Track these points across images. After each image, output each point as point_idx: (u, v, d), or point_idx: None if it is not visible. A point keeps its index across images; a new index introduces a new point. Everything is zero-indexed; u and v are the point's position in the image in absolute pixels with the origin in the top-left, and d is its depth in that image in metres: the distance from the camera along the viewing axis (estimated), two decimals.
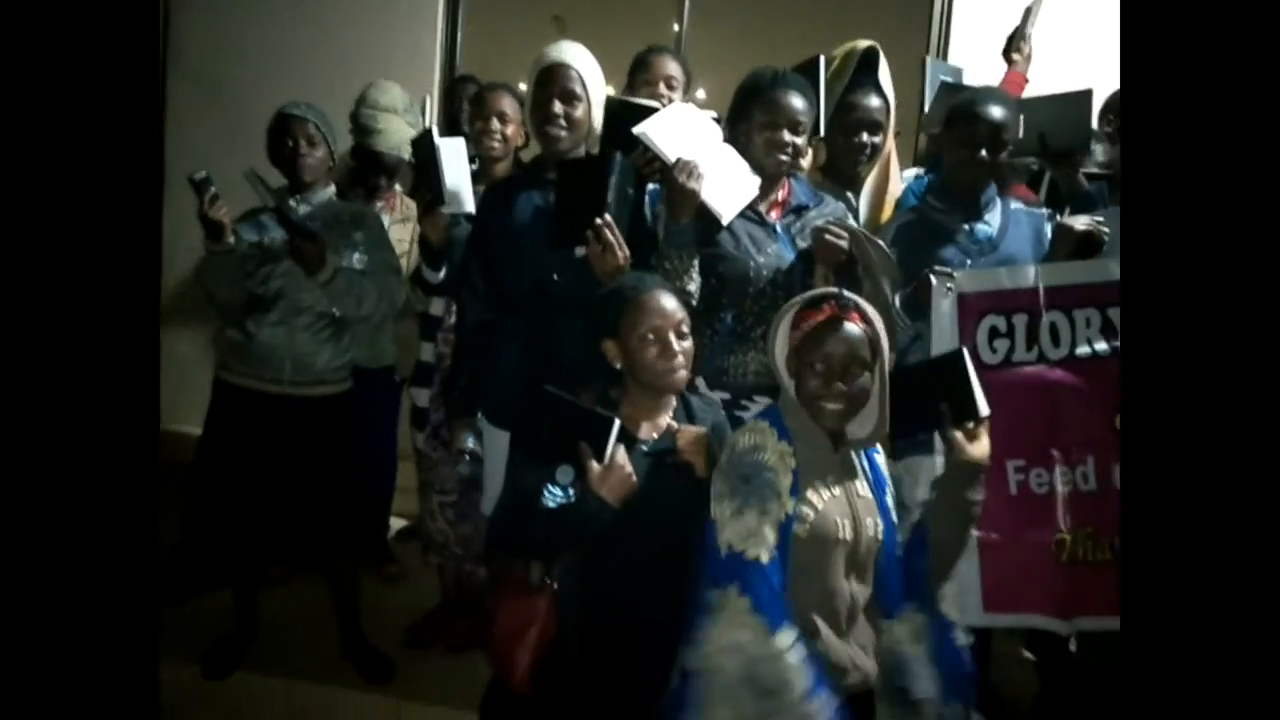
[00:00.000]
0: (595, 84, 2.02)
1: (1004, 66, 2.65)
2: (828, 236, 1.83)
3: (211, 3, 3.73)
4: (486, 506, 2.11)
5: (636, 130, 1.84)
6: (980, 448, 1.44)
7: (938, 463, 1.66)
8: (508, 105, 2.45)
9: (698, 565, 1.60)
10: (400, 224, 2.73)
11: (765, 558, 1.34)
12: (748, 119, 1.93)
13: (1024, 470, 1.78)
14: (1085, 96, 2.14)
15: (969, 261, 1.93)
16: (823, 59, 2.13)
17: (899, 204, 2.26)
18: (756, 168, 1.91)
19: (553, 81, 1.96)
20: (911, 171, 2.46)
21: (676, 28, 4.04)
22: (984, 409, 1.44)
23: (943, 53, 3.38)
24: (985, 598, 1.79)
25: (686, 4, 3.73)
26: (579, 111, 1.97)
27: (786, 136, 1.89)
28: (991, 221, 1.99)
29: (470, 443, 2.19)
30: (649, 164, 1.87)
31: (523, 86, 2.38)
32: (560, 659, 1.55)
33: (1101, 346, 1.77)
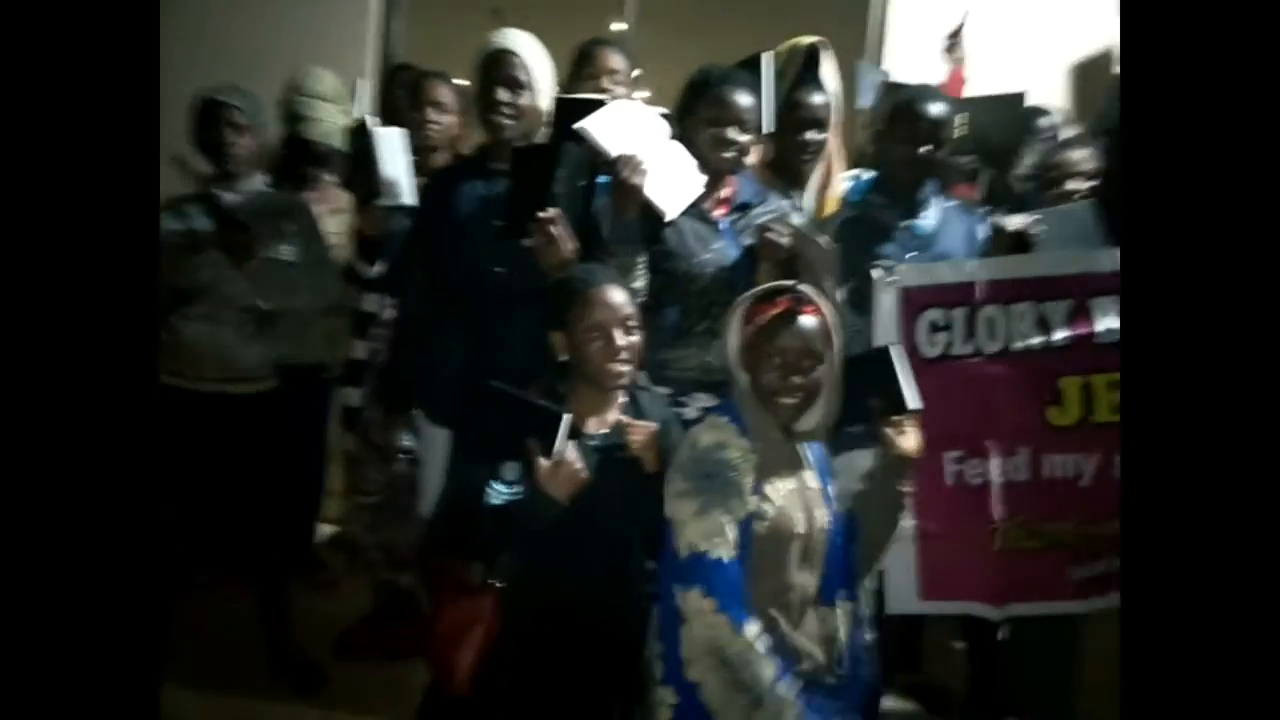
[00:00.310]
0: (541, 72, 1.98)
1: (938, 65, 2.72)
2: (769, 234, 1.83)
3: None
4: (426, 508, 2.04)
5: (578, 126, 1.81)
6: (909, 440, 1.46)
7: (868, 455, 1.68)
8: (445, 95, 2.38)
9: (642, 562, 1.59)
10: (332, 215, 2.62)
11: (727, 557, 1.34)
12: (694, 115, 1.93)
13: (960, 461, 1.83)
14: (1019, 98, 2.20)
15: (907, 257, 1.96)
16: (768, 56, 2.14)
17: (843, 201, 2.28)
18: (702, 164, 1.90)
19: (497, 68, 1.92)
20: (852, 171, 2.49)
21: (618, 25, 4.02)
22: (913, 403, 1.46)
23: (879, 50, 3.44)
24: (921, 585, 1.83)
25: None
26: (525, 99, 1.94)
27: (732, 134, 1.89)
28: (929, 218, 2.03)
29: (407, 441, 2.13)
30: (599, 157, 1.85)
31: (460, 81, 2.33)
32: (503, 659, 1.50)
33: (1035, 341, 1.82)
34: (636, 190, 1.78)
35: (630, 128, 1.85)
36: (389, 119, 2.77)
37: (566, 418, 1.46)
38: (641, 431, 1.54)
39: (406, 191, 2.19)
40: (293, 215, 2.18)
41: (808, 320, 1.41)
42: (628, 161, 1.77)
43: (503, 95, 1.91)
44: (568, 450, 1.45)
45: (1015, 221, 1.92)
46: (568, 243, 1.75)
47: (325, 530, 2.97)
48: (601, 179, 1.94)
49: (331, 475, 2.74)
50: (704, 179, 1.88)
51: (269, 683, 2.19)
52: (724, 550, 1.34)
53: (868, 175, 2.44)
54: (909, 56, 3.22)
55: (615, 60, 2.38)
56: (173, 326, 2.04)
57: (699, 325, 1.90)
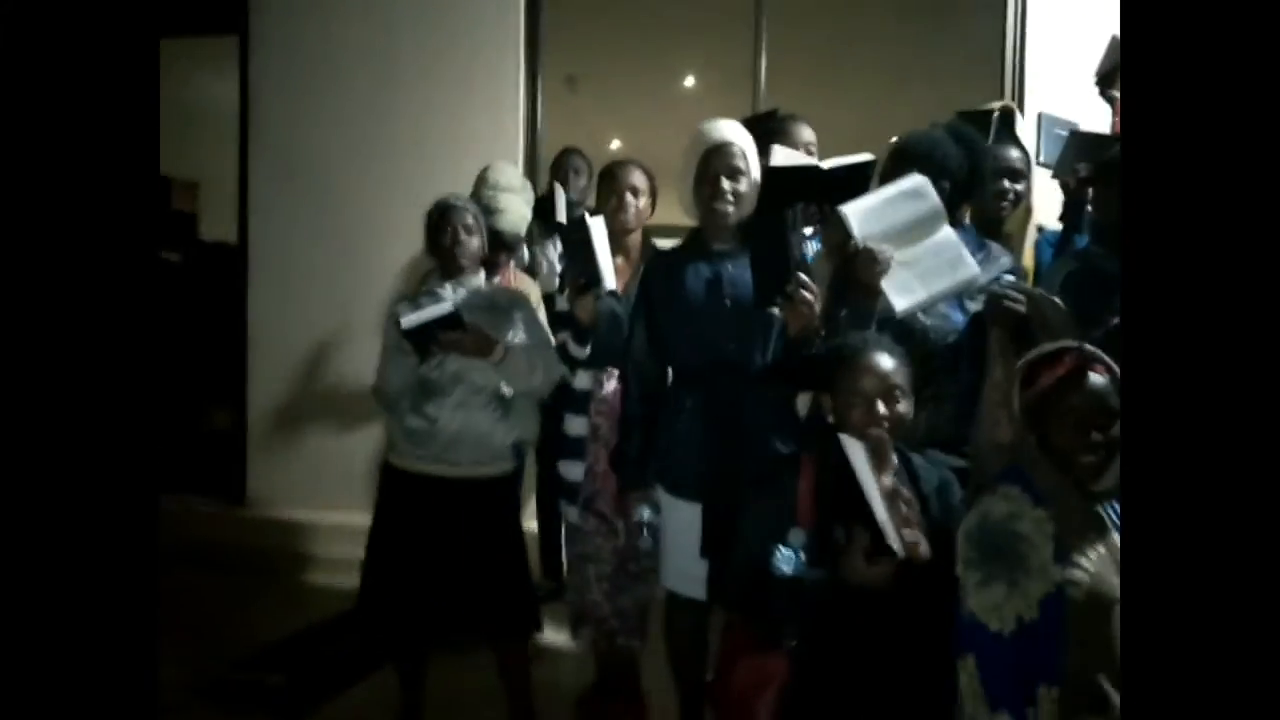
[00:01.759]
0: (754, 156, 2.10)
1: (1096, 105, 2.74)
2: (1005, 302, 1.85)
3: (290, 82, 3.88)
4: (668, 578, 2.11)
5: (842, 209, 1.87)
6: None
7: None
8: (639, 180, 2.53)
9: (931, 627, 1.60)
10: None
11: (1007, 631, 1.36)
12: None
13: None
14: None
15: None
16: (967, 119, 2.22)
17: (1035, 250, 2.34)
18: None
19: (719, 159, 2.05)
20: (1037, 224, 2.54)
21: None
22: None
23: (1020, 100, 3.47)
24: None
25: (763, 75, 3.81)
26: (743, 186, 2.06)
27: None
28: None
29: (646, 514, 2.22)
30: (847, 239, 1.91)
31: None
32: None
33: None
34: (874, 281, 1.84)
35: (893, 217, 1.88)
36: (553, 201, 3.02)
37: (885, 519, 1.46)
38: (924, 548, 1.50)
39: (609, 276, 2.33)
40: (519, 305, 2.34)
41: (1097, 378, 1.43)
42: (867, 253, 1.84)
43: (725, 185, 2.04)
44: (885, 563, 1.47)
45: None
46: (817, 306, 1.84)
47: None
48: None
49: None
50: (976, 272, 1.88)
51: None
52: (1004, 625, 1.36)
53: (1051, 228, 2.48)
54: (1048, 101, 3.25)
55: (805, 133, 2.48)
56: (429, 416, 2.20)
57: (926, 390, 1.92)
